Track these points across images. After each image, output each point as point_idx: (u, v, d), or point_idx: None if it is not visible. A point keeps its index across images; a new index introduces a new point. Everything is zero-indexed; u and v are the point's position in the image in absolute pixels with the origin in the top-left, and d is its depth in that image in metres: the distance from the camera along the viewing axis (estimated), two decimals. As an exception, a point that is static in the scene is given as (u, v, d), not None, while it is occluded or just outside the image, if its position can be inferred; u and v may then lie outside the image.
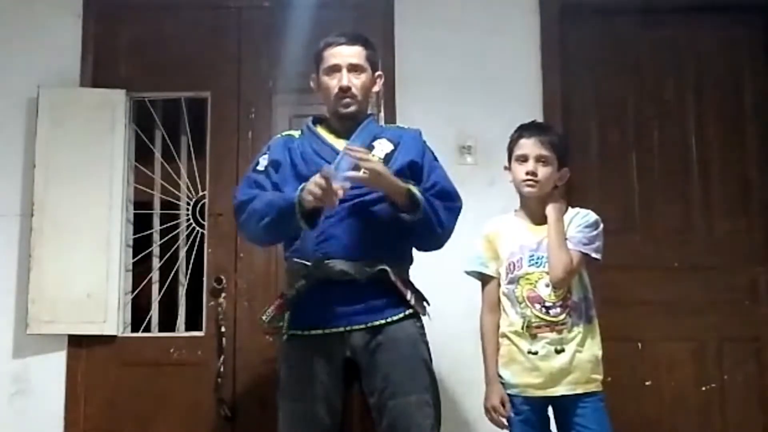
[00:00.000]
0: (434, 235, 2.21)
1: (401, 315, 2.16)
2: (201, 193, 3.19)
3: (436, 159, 2.33)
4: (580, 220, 2.27)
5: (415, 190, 2.13)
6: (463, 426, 2.85)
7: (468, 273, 2.34)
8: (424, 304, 2.25)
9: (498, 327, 2.27)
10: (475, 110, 3.11)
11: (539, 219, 2.28)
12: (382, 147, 2.24)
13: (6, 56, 3.17)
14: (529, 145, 2.26)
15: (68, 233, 2.99)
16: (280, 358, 2.24)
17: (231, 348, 3.01)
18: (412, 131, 2.35)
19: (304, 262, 2.16)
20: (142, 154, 3.25)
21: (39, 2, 3.21)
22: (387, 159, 2.21)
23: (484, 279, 2.32)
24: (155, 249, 3.23)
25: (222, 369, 2.97)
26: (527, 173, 2.25)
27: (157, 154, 3.27)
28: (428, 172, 2.26)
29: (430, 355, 2.21)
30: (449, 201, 2.24)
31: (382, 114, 3.07)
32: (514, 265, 2.24)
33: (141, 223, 3.23)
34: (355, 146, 2.11)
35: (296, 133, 2.35)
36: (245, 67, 3.19)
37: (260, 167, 2.29)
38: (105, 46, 3.20)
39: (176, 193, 3.24)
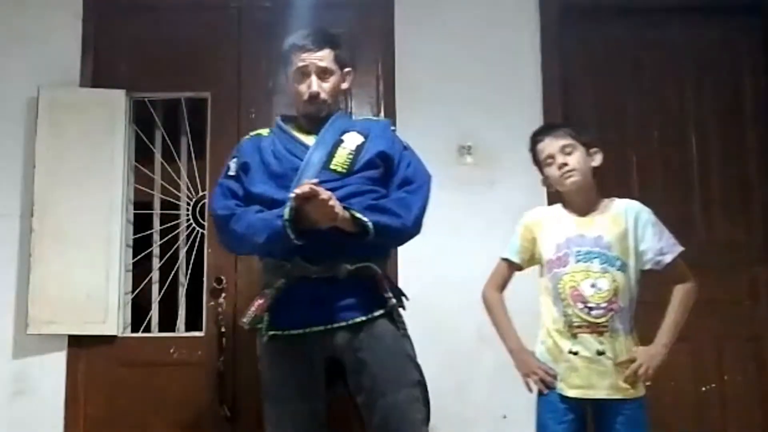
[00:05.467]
0: (402, 234, 2.20)
1: (382, 311, 2.14)
2: (201, 194, 3.18)
3: (405, 147, 2.32)
4: (646, 225, 2.24)
5: (359, 214, 2.06)
6: (460, 425, 2.84)
7: (502, 258, 2.32)
8: (402, 298, 2.24)
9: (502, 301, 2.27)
10: (475, 110, 3.11)
11: (586, 211, 2.26)
12: (353, 139, 2.24)
13: (6, 56, 3.17)
14: (547, 145, 2.25)
15: (68, 233, 2.99)
16: (261, 359, 2.22)
17: (231, 348, 3.00)
18: (382, 122, 2.38)
19: (281, 260, 2.14)
20: (142, 154, 3.25)
21: (39, 2, 3.21)
22: (358, 151, 2.22)
23: (508, 264, 2.31)
24: (155, 249, 3.23)
25: (222, 369, 2.97)
26: (560, 167, 2.22)
27: (157, 154, 3.27)
28: (398, 161, 2.25)
29: (413, 349, 2.19)
30: (410, 184, 2.22)
31: (381, 114, 3.07)
32: (560, 260, 2.20)
33: (141, 223, 3.23)
34: (301, 187, 2.03)
35: (265, 132, 2.35)
36: (245, 67, 3.19)
37: (231, 172, 2.28)
38: (105, 46, 3.20)
39: (176, 193, 3.24)
